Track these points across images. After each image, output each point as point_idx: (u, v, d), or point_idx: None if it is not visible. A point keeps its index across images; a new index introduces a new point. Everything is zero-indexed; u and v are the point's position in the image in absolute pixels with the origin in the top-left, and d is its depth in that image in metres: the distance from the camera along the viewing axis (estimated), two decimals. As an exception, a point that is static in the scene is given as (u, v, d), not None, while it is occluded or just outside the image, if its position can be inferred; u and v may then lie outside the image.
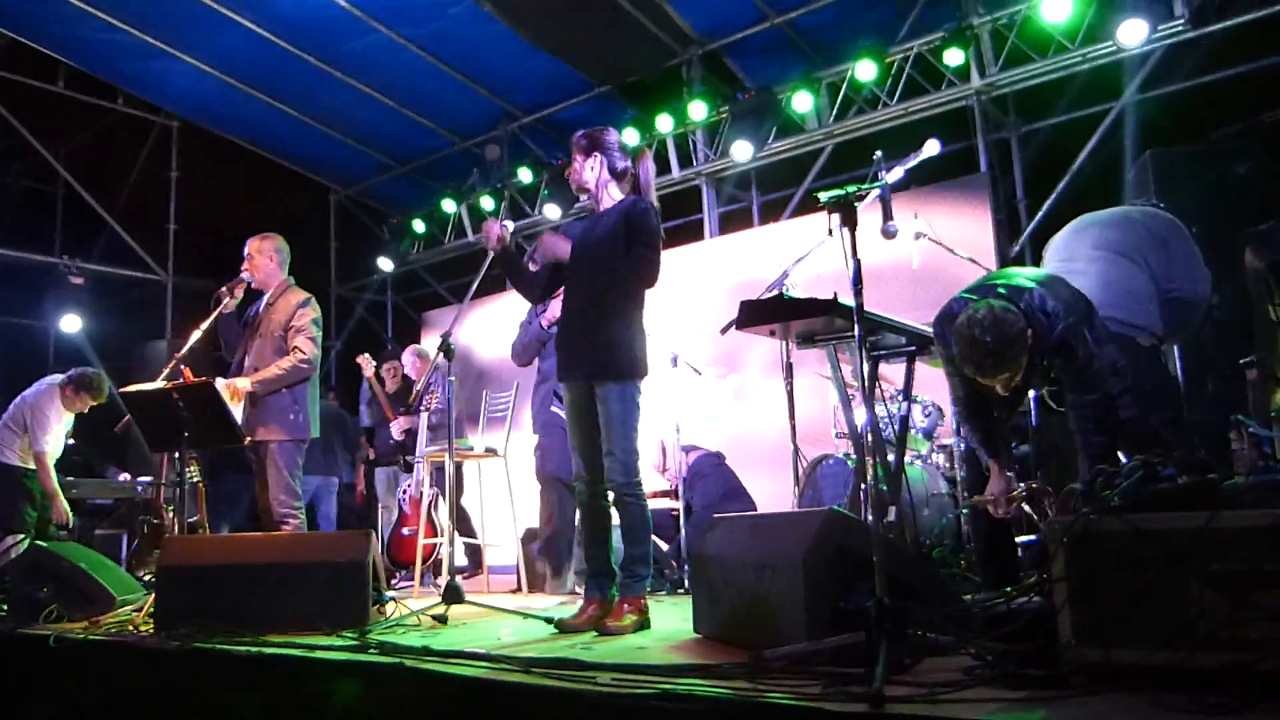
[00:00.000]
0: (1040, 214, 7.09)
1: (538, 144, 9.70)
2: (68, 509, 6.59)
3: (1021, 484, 3.67)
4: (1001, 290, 3.42)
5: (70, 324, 9.41)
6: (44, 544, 5.09)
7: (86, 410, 6.73)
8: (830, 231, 2.52)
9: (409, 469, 7.12)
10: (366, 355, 7.40)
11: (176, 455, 5.45)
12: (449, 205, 10.12)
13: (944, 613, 2.45)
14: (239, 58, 8.88)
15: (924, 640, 2.36)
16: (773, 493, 6.28)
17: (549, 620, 3.79)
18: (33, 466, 6.51)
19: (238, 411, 4.75)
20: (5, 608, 4.88)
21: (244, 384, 4.80)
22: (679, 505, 5.71)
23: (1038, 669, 2.12)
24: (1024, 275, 3.58)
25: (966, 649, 2.31)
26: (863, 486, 3.99)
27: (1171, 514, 2.03)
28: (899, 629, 2.25)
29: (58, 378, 6.72)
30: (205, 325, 4.92)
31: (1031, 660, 2.16)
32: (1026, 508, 3.91)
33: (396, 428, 7.21)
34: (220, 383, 4.70)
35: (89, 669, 3.75)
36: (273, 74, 9.08)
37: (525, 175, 9.41)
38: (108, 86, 10.01)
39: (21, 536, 6.37)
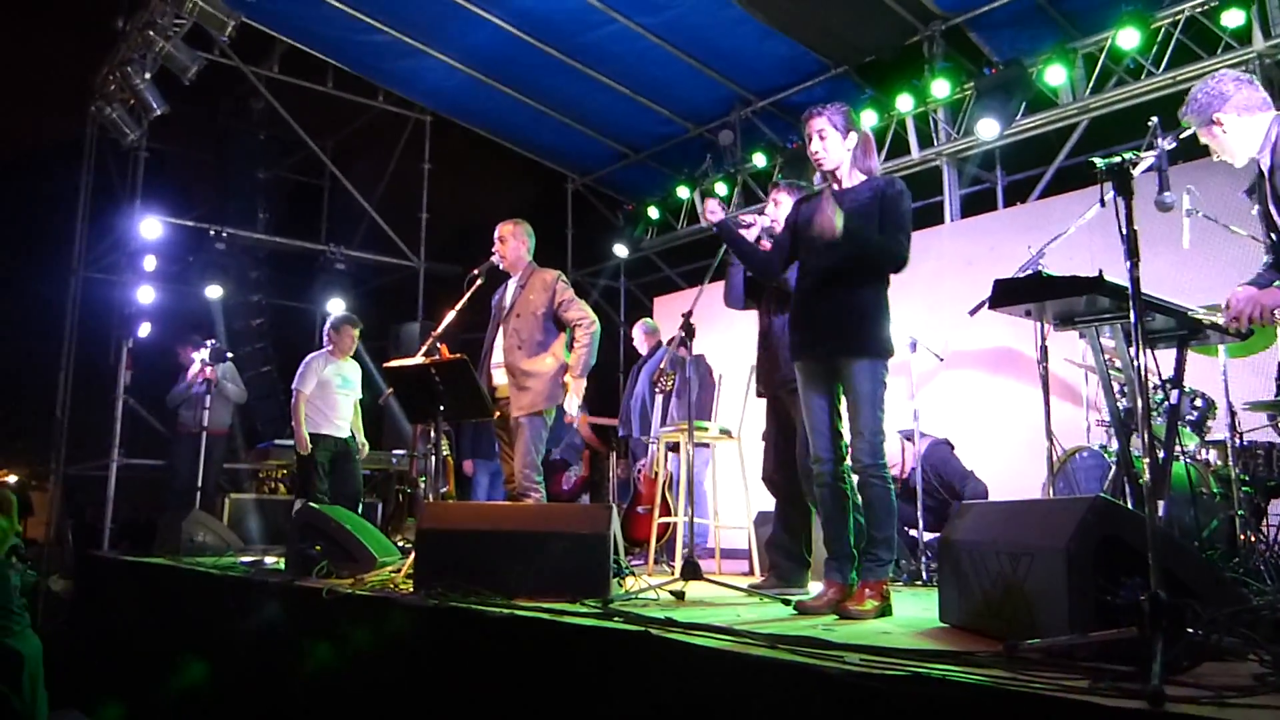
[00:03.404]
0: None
1: (771, 128, 9.65)
2: (305, 443, 7.03)
3: None
4: None
5: (335, 306, 10.15)
6: (316, 506, 5.54)
7: (356, 342, 7.30)
8: (1102, 201, 2.36)
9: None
10: None
11: (430, 430, 5.81)
12: (683, 191, 10.25)
13: (1228, 613, 2.25)
14: (485, 53, 9.33)
15: (1204, 641, 2.18)
16: (1013, 484, 5.99)
17: (786, 602, 3.78)
18: (322, 432, 7.09)
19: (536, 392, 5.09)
20: (284, 563, 5.36)
21: (577, 384, 5.15)
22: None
23: (1344, 681, 1.91)
24: None
25: (1257, 654, 2.12)
26: (1125, 479, 3.72)
27: None
28: (1176, 627, 2.08)
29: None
30: (459, 305, 5.21)
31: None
32: None
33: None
34: (571, 401, 5.16)
35: (355, 620, 4.06)
36: (515, 67, 9.48)
37: (759, 160, 9.40)
38: (369, 85, 10.76)
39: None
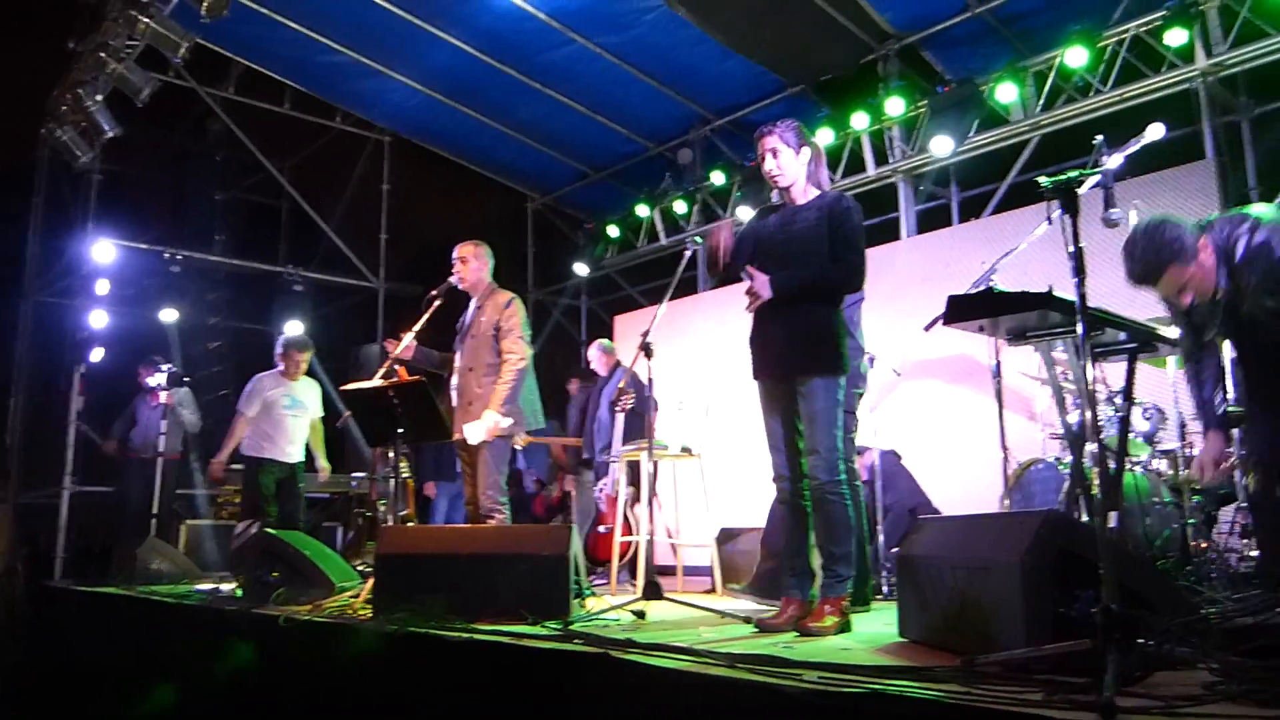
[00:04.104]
0: (1277, 202, 6.52)
1: (730, 146, 9.72)
2: (221, 466, 7.14)
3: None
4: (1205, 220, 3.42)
5: (293, 329, 10.03)
6: (273, 531, 5.46)
7: (305, 365, 7.25)
8: (1049, 219, 2.40)
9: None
10: None
11: (390, 453, 5.74)
12: (642, 210, 10.29)
13: (1179, 623, 2.28)
14: (445, 73, 9.34)
15: (1156, 651, 2.21)
16: (968, 497, 6.05)
17: (748, 620, 3.78)
18: (267, 456, 7.00)
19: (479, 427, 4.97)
20: (240, 590, 5.27)
21: (490, 415, 4.95)
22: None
23: (1292, 687, 1.94)
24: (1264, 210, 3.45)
25: (1206, 663, 2.15)
26: (1078, 491, 3.77)
27: None
28: (1129, 638, 2.11)
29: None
30: (417, 327, 5.17)
31: (1284, 678, 1.97)
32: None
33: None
34: (475, 427, 4.95)
35: (313, 648, 4.00)
36: (476, 87, 9.48)
37: (718, 178, 9.45)
38: (328, 106, 10.71)
39: (256, 523, 6.86)
